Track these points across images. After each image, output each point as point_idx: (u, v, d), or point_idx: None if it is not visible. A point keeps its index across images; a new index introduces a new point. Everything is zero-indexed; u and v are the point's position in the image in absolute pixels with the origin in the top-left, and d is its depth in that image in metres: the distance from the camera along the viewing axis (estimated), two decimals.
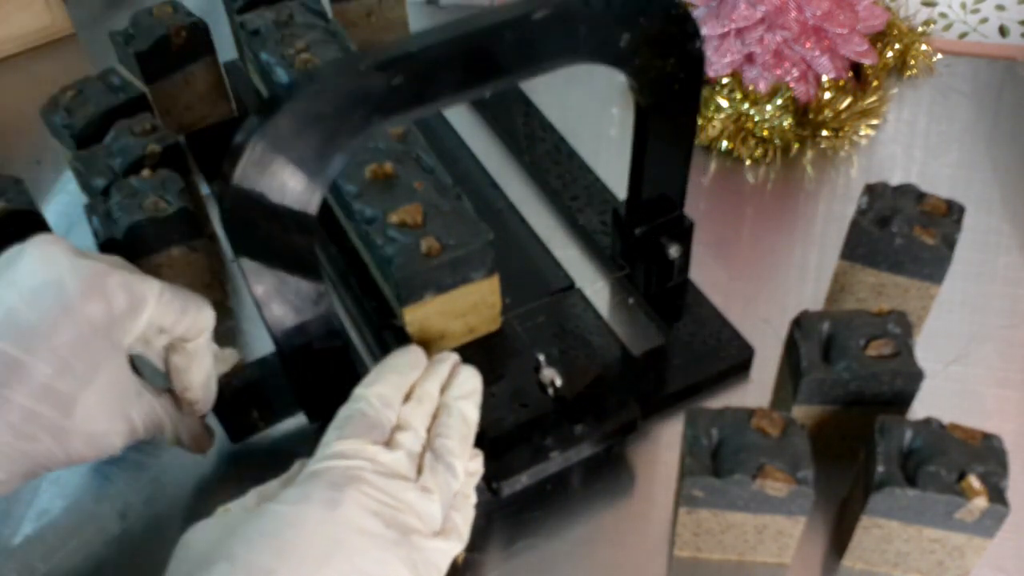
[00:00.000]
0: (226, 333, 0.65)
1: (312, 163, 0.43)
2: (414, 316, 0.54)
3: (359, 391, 0.45)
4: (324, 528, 0.39)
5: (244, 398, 0.56)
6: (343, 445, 0.42)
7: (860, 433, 0.51)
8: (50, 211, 0.74)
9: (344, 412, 0.44)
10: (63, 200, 0.76)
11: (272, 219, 0.43)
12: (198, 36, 0.74)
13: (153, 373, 0.53)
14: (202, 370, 0.52)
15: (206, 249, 0.64)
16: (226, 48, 0.82)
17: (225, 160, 0.41)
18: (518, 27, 0.44)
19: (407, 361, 0.47)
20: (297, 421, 0.59)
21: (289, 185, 0.43)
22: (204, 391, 0.53)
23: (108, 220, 0.60)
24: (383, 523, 0.40)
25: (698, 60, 0.51)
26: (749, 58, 0.74)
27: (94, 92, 0.69)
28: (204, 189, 0.73)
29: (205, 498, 0.56)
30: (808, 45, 0.73)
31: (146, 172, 0.62)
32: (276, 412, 0.58)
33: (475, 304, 0.56)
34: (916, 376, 0.51)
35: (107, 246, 0.59)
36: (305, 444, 0.58)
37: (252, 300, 0.47)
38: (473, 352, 0.58)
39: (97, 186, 0.63)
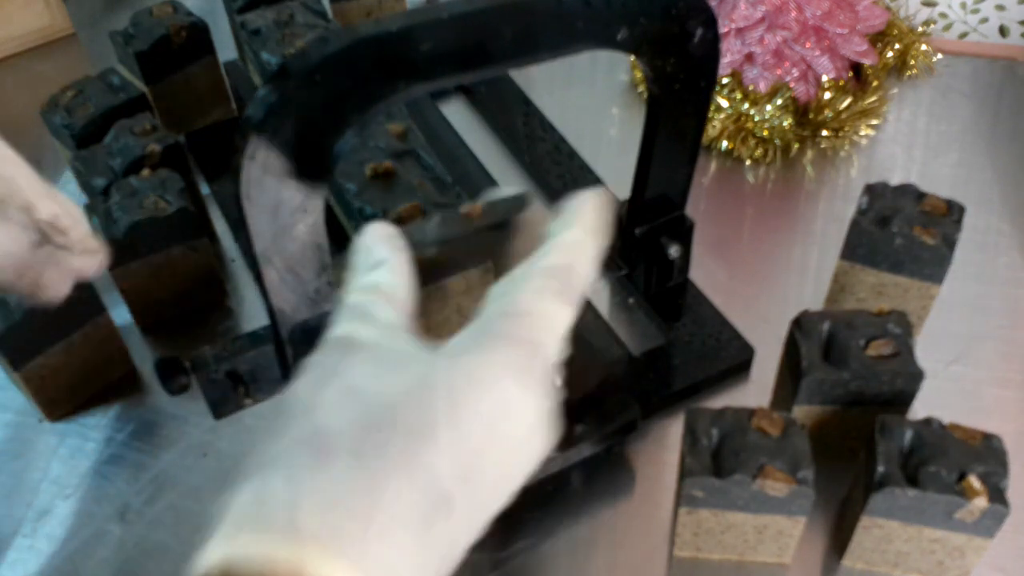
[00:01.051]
0: (226, 333, 0.65)
1: (328, 133, 0.42)
2: None
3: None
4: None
5: (230, 373, 0.55)
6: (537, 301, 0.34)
7: (860, 433, 0.51)
8: None
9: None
10: None
11: (282, 199, 0.43)
12: (198, 36, 0.74)
13: None
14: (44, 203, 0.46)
15: (206, 249, 0.64)
16: (226, 48, 0.82)
17: (237, 134, 0.41)
18: (551, 3, 0.44)
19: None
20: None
21: (302, 160, 0.42)
22: (64, 217, 0.47)
23: (108, 220, 0.60)
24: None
25: (701, 61, 0.51)
26: (749, 58, 0.74)
27: (94, 92, 0.69)
28: (204, 189, 0.73)
29: (205, 498, 0.56)
30: (808, 45, 0.73)
31: (146, 172, 0.62)
32: (263, 389, 0.56)
33: (468, 288, 0.56)
34: (916, 376, 0.51)
35: (107, 246, 0.59)
36: None
37: (252, 271, 0.45)
38: None
39: (97, 186, 0.63)
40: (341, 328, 0.34)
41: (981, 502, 0.45)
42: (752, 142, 0.75)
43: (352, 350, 0.33)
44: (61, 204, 0.48)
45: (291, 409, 0.31)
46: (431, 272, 0.55)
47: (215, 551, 0.27)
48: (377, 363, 0.32)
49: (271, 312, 0.49)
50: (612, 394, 0.55)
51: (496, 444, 0.30)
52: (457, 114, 0.80)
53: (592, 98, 0.83)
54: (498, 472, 0.31)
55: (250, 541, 0.27)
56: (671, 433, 0.58)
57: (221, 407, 0.55)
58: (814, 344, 0.52)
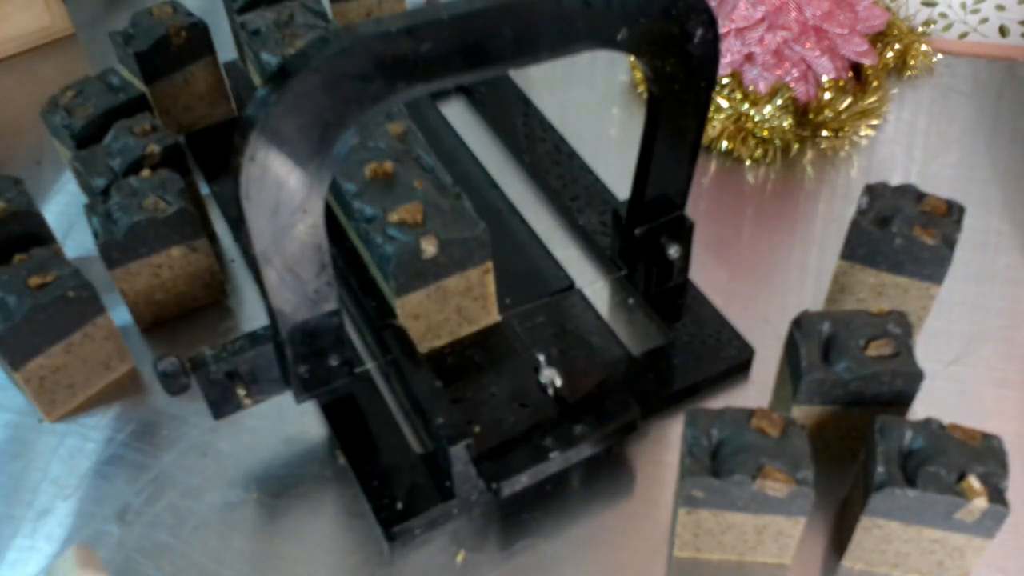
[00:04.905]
0: (226, 333, 0.65)
1: (328, 133, 0.42)
2: (405, 308, 0.54)
3: None
4: None
5: (230, 373, 0.55)
6: None
7: (860, 433, 0.51)
8: (50, 211, 0.74)
9: None
10: (63, 200, 0.76)
11: (282, 199, 0.43)
12: (198, 36, 0.75)
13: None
14: None
15: (206, 249, 0.64)
16: (226, 48, 0.82)
17: (237, 134, 0.41)
18: (551, 3, 0.44)
19: None
20: (282, 402, 0.58)
21: (300, 160, 0.42)
22: None
23: (108, 220, 0.60)
24: None
25: (700, 61, 0.51)
26: (749, 58, 0.74)
27: (94, 92, 0.69)
28: (204, 189, 0.73)
29: (205, 498, 0.56)
30: (808, 45, 0.73)
31: (146, 172, 0.63)
32: (263, 389, 0.56)
33: (468, 288, 0.56)
34: (916, 376, 0.51)
35: (107, 246, 0.59)
36: (310, 450, 0.59)
37: (252, 271, 0.45)
38: (473, 351, 0.59)
39: (97, 186, 0.63)
40: None
41: (981, 502, 0.45)
42: (752, 142, 0.75)
43: None
44: None
45: None
46: (431, 272, 0.55)
47: None
48: None
49: (271, 312, 0.49)
50: (612, 394, 0.55)
51: None
52: (457, 114, 0.80)
53: (592, 98, 0.83)
54: None
55: None
56: (671, 433, 0.58)
57: (221, 407, 0.55)
58: (814, 344, 0.52)
